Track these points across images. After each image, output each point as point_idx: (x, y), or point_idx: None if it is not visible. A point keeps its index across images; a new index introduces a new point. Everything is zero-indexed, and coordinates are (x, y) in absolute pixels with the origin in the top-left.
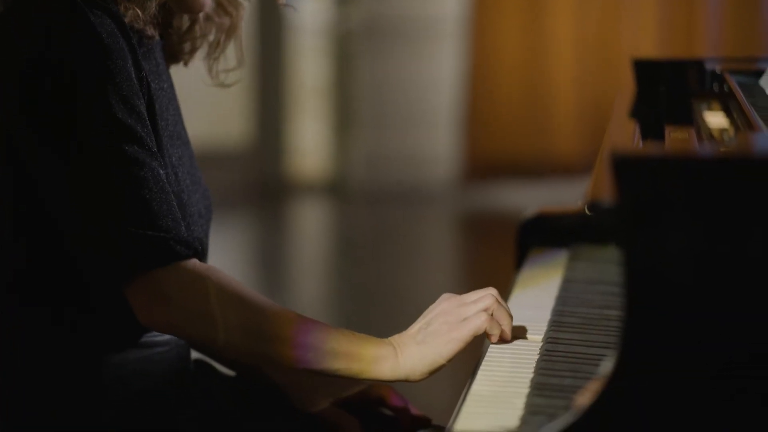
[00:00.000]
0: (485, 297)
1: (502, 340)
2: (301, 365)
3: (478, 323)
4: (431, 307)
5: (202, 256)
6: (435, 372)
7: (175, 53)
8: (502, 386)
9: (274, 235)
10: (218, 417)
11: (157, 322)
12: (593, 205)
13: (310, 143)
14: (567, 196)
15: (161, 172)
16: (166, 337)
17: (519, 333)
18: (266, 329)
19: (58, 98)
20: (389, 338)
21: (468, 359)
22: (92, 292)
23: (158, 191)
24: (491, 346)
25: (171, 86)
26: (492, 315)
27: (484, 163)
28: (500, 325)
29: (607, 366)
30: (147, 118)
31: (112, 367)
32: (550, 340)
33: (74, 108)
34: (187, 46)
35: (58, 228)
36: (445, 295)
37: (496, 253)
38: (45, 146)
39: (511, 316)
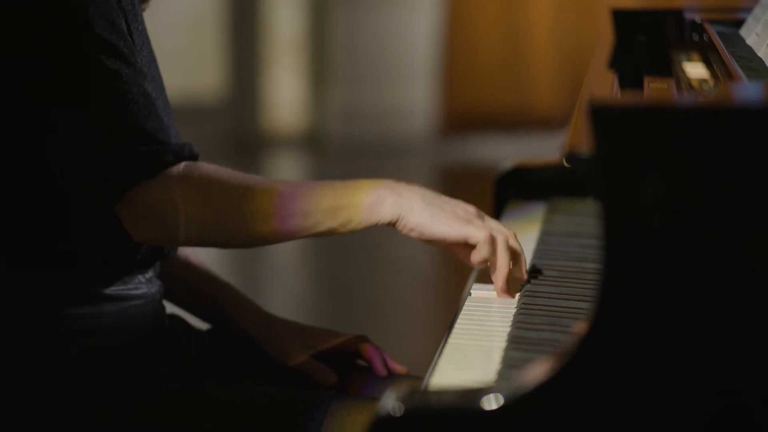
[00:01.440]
0: (501, 229)
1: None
2: (299, 235)
3: (478, 234)
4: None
5: (196, 157)
6: (416, 234)
7: None
8: (479, 340)
9: None
10: (192, 371)
11: (147, 237)
12: (571, 157)
13: (285, 96)
14: (545, 149)
15: (147, 86)
16: (142, 290)
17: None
18: (251, 210)
19: (40, 19)
20: (388, 180)
21: (445, 312)
22: (72, 241)
23: (145, 104)
24: (468, 299)
25: (145, 30)
26: (494, 246)
27: (462, 116)
28: (495, 262)
29: (584, 319)
30: (130, 38)
31: (86, 319)
32: (527, 293)
33: (57, 28)
34: None
35: (46, 158)
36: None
37: (470, 201)
38: (30, 67)
39: (508, 265)
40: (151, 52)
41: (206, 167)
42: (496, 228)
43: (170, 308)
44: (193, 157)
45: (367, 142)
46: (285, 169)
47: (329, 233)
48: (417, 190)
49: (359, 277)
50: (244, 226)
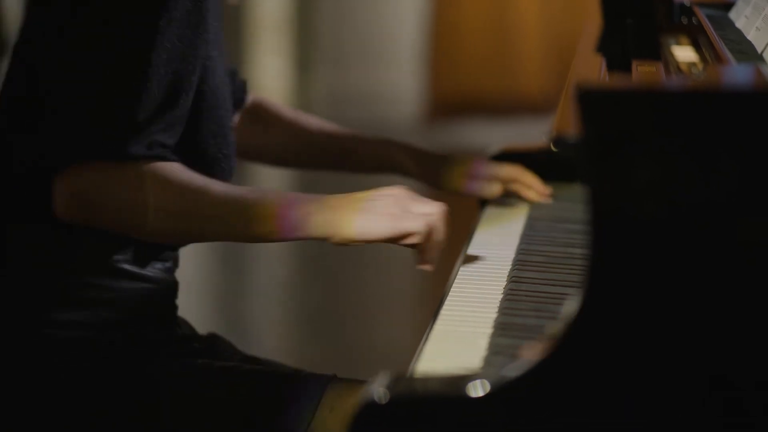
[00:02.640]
0: (434, 212)
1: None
2: (222, 239)
3: (414, 225)
4: (383, 189)
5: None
6: (355, 243)
7: None
8: (465, 326)
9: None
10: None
11: (72, 216)
12: (558, 141)
13: (270, 80)
14: (532, 134)
15: (187, 64)
16: (160, 276)
17: (481, 269)
18: (211, 214)
19: None
20: (320, 195)
21: (431, 299)
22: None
23: (156, 85)
24: (454, 285)
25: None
26: (430, 230)
27: (449, 101)
28: (427, 246)
29: (571, 305)
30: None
31: (103, 290)
32: (514, 279)
33: None
34: None
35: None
36: (400, 186)
37: None
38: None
39: (440, 243)
40: (220, 56)
41: (166, 167)
42: (431, 211)
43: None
44: (164, 158)
45: (352, 127)
46: None
47: (254, 241)
48: (347, 201)
49: (345, 261)
50: (201, 227)
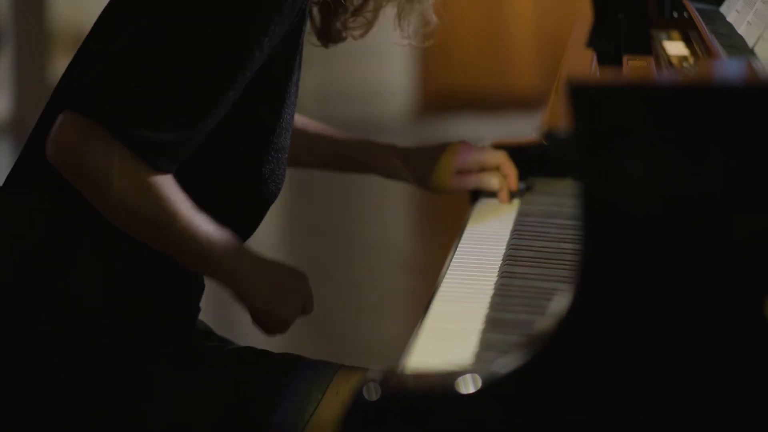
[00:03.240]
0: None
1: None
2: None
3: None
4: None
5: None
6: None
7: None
8: (456, 322)
9: None
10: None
11: (60, 158)
12: (549, 136)
13: None
14: (524, 130)
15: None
16: None
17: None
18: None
19: None
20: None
21: (422, 294)
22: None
23: (207, 100)
24: (444, 280)
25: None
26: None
27: (439, 96)
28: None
29: (563, 301)
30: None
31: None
32: (505, 275)
33: None
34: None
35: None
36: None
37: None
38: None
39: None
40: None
41: (172, 189)
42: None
43: None
44: (173, 162)
45: (342, 123)
46: None
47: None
48: (266, 279)
49: (335, 258)
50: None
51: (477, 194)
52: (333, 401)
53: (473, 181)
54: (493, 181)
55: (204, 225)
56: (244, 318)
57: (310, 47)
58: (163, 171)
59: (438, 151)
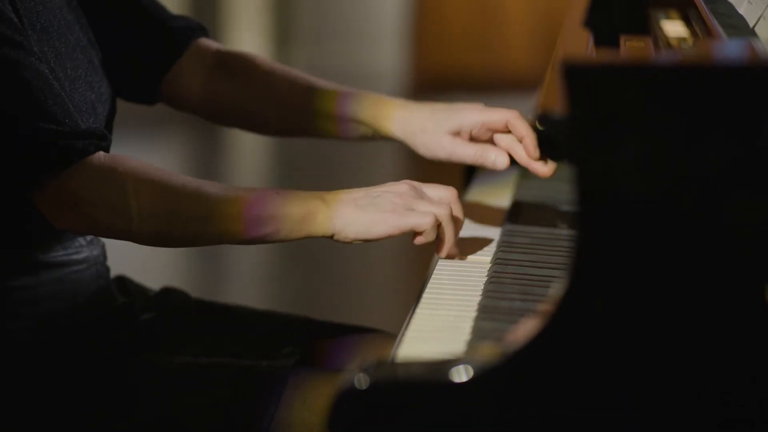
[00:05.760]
0: (441, 204)
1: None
2: (226, 240)
3: (419, 221)
4: (389, 183)
5: (107, 144)
6: (361, 241)
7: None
8: (449, 310)
9: (212, 154)
10: (146, 339)
11: (72, 226)
12: (544, 119)
13: None
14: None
15: (42, 66)
16: (83, 254)
17: (465, 251)
18: (184, 210)
19: None
20: (324, 192)
21: (413, 281)
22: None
23: (45, 89)
24: (437, 268)
25: (62, 20)
26: (440, 223)
27: (432, 78)
28: (443, 236)
29: (558, 288)
30: (11, 13)
31: (25, 289)
32: (498, 261)
33: None
34: None
35: None
36: (407, 181)
37: (442, 170)
38: None
39: (456, 233)
40: (69, 35)
41: (132, 160)
42: (437, 201)
43: (116, 268)
44: (104, 140)
45: None
46: (248, 134)
47: (255, 242)
48: (348, 197)
49: (325, 246)
50: (172, 225)
51: (470, 178)
52: (301, 411)
53: (470, 153)
54: (499, 160)
55: (230, 189)
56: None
57: (301, 28)
58: (101, 149)
59: (437, 112)
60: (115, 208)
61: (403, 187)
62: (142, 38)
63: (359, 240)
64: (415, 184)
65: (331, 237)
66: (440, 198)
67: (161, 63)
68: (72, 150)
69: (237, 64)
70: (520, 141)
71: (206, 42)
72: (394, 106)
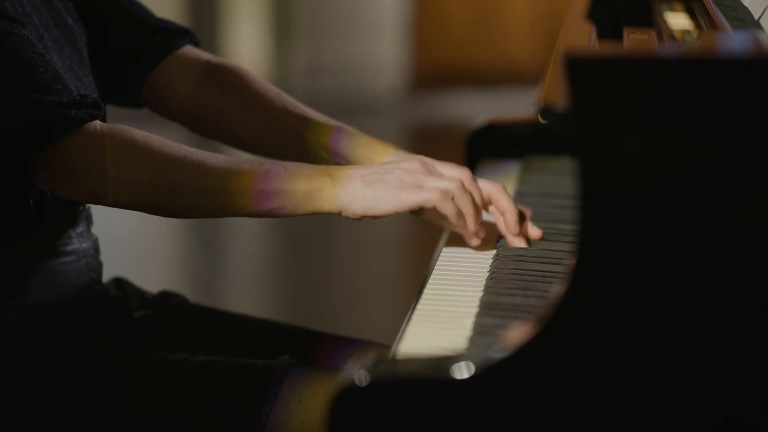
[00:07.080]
0: (452, 179)
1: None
2: (230, 213)
3: (428, 197)
4: (401, 159)
5: (102, 113)
6: (367, 218)
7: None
8: (450, 306)
9: (211, 146)
10: (140, 337)
11: (71, 194)
12: (546, 112)
13: (247, 51)
14: (519, 105)
15: (32, 36)
16: (73, 246)
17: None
18: (185, 182)
19: None
20: (333, 167)
21: (414, 277)
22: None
23: (35, 58)
24: (438, 263)
25: None
26: (452, 198)
27: (433, 71)
28: (461, 211)
29: (560, 283)
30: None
31: (10, 281)
32: (500, 257)
33: None
34: None
35: None
36: (419, 156)
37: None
38: None
39: (476, 206)
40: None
41: (131, 130)
42: (448, 177)
43: (114, 270)
44: (98, 109)
45: (333, 99)
46: None
47: (260, 216)
48: (356, 173)
49: (324, 239)
50: (172, 197)
51: (473, 171)
52: (296, 409)
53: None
54: (496, 218)
55: (235, 161)
56: (222, 299)
57: (300, 21)
58: (96, 118)
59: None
60: (116, 179)
61: (415, 164)
62: (124, 37)
63: (367, 217)
64: (427, 160)
65: (339, 213)
66: (452, 176)
67: (144, 63)
68: (67, 119)
69: (228, 79)
70: (502, 215)
71: (195, 51)
72: (386, 152)
